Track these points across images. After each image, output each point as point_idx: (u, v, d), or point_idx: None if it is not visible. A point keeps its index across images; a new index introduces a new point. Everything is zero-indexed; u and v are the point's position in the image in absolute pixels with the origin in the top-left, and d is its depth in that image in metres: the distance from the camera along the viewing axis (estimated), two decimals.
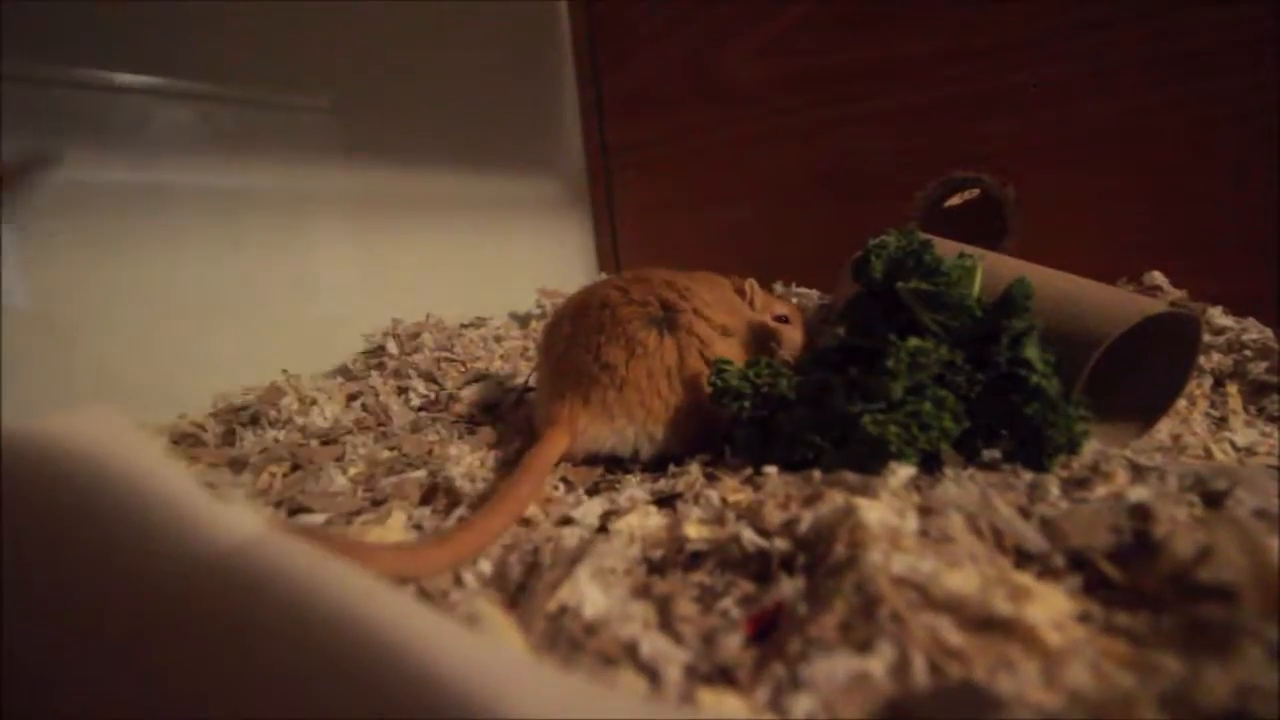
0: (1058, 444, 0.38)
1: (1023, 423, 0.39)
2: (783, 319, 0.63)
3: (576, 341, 0.52)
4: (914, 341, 0.40)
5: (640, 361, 0.49)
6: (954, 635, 0.23)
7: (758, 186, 1.00)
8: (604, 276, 1.12)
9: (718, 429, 0.49)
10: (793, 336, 0.62)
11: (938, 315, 0.42)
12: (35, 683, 0.19)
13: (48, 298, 0.62)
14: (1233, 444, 0.45)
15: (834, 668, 0.22)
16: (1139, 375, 0.49)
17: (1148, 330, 0.44)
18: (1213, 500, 0.32)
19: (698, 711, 0.22)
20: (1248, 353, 0.57)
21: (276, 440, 0.58)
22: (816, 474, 0.37)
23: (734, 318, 0.56)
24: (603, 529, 0.36)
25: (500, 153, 1.05)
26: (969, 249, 0.55)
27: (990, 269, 0.49)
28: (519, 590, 0.30)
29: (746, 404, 0.45)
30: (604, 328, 0.51)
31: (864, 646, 0.23)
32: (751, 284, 0.62)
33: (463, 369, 0.74)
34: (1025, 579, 0.26)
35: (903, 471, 0.34)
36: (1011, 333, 0.40)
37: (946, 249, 0.56)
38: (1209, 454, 0.43)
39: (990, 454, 0.41)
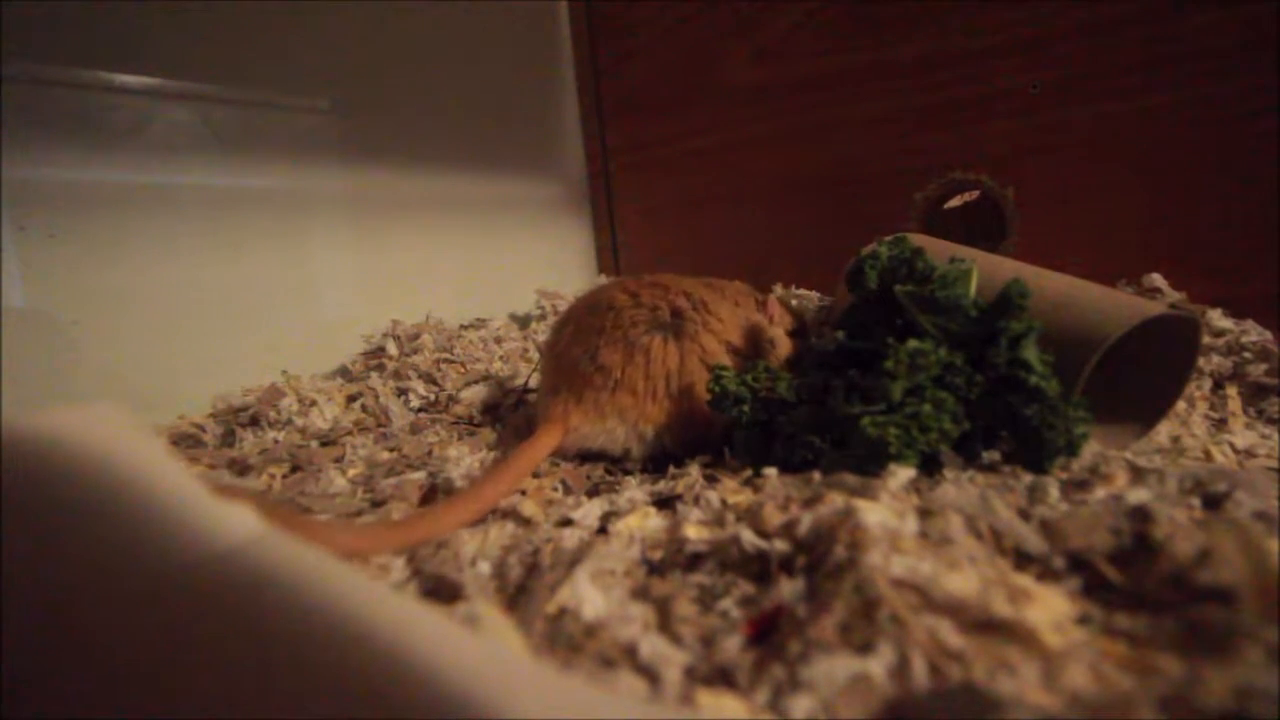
0: (1057, 446, 0.38)
1: (1022, 424, 0.39)
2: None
3: (577, 341, 0.52)
4: (913, 343, 0.40)
5: (637, 366, 0.50)
6: (954, 637, 0.23)
7: (758, 187, 1.00)
8: (604, 278, 1.13)
9: (714, 433, 0.50)
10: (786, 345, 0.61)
11: (935, 318, 0.42)
12: (35, 682, 0.19)
13: (48, 298, 0.62)
14: (1232, 446, 0.45)
15: (834, 669, 0.22)
16: (1138, 377, 0.49)
17: (1147, 332, 0.44)
18: (1212, 502, 0.32)
19: (697, 713, 0.22)
20: (1247, 355, 0.57)
21: (276, 441, 0.58)
22: (816, 475, 0.37)
23: (748, 341, 0.55)
24: (602, 530, 0.36)
25: (500, 153, 1.05)
26: (966, 250, 0.56)
27: (989, 270, 0.50)
28: (519, 591, 0.30)
29: (746, 408, 0.46)
30: (604, 330, 0.52)
31: (864, 648, 0.23)
32: (773, 300, 0.61)
33: (462, 370, 0.74)
34: (1025, 581, 0.26)
35: (902, 473, 0.34)
36: (1010, 334, 0.40)
37: (943, 250, 0.56)
38: (1208, 456, 0.43)
39: (990, 456, 0.41)
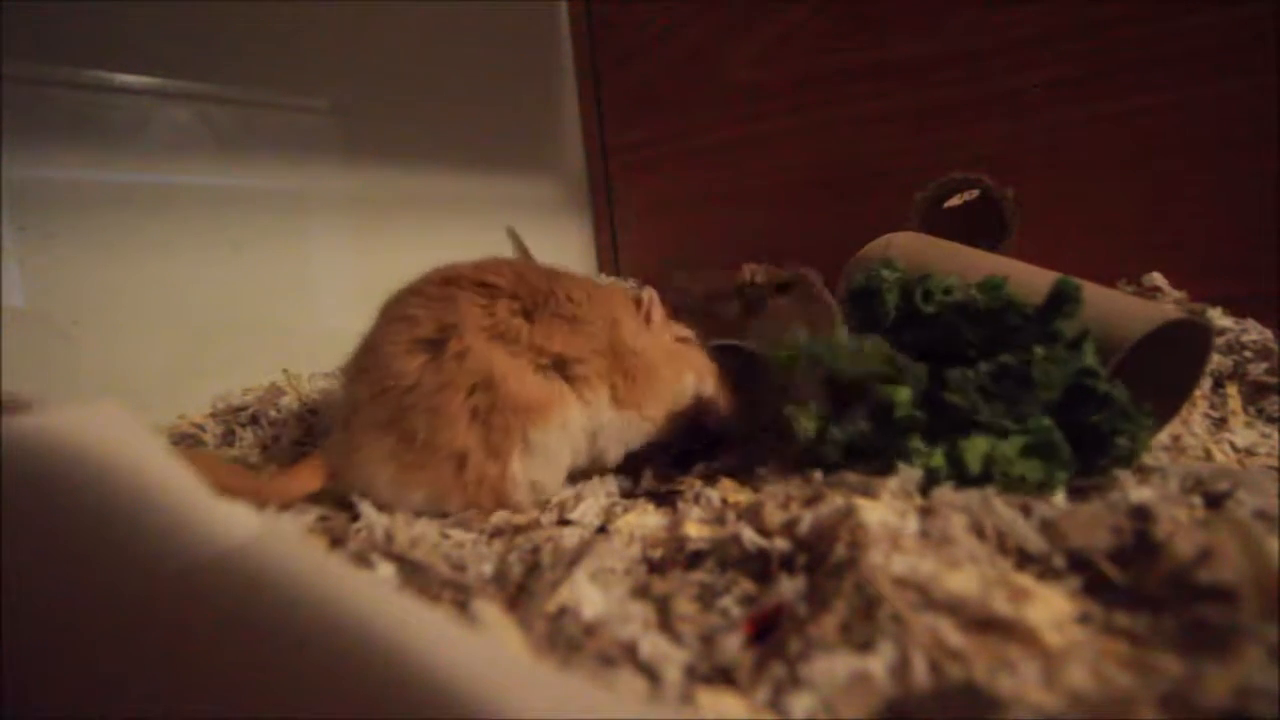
0: (1120, 453, 0.36)
1: (1088, 431, 0.36)
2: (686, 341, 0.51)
3: (354, 358, 0.44)
4: (1040, 350, 0.37)
5: (387, 398, 0.40)
6: (954, 636, 0.23)
7: (757, 186, 1.00)
8: (604, 278, 1.13)
9: (505, 503, 0.41)
10: (701, 364, 0.49)
11: (980, 329, 0.39)
12: (35, 681, 0.19)
13: (48, 298, 0.62)
14: (1232, 445, 0.45)
15: (834, 668, 0.22)
16: (1143, 380, 0.49)
17: (1158, 336, 0.44)
18: (1214, 501, 0.32)
19: (697, 711, 0.22)
20: (1247, 354, 0.57)
21: (276, 440, 0.58)
22: (818, 474, 0.37)
23: (594, 353, 0.44)
24: (602, 529, 0.36)
25: (500, 153, 1.05)
26: (966, 250, 0.56)
27: (996, 272, 0.49)
28: (519, 590, 0.30)
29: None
30: (364, 351, 0.43)
31: (864, 646, 0.23)
32: (650, 294, 0.49)
33: None
34: (1026, 580, 0.26)
35: (906, 473, 0.34)
36: (1066, 339, 0.38)
37: (945, 250, 0.56)
38: (1209, 455, 0.43)
39: None
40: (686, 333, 0.51)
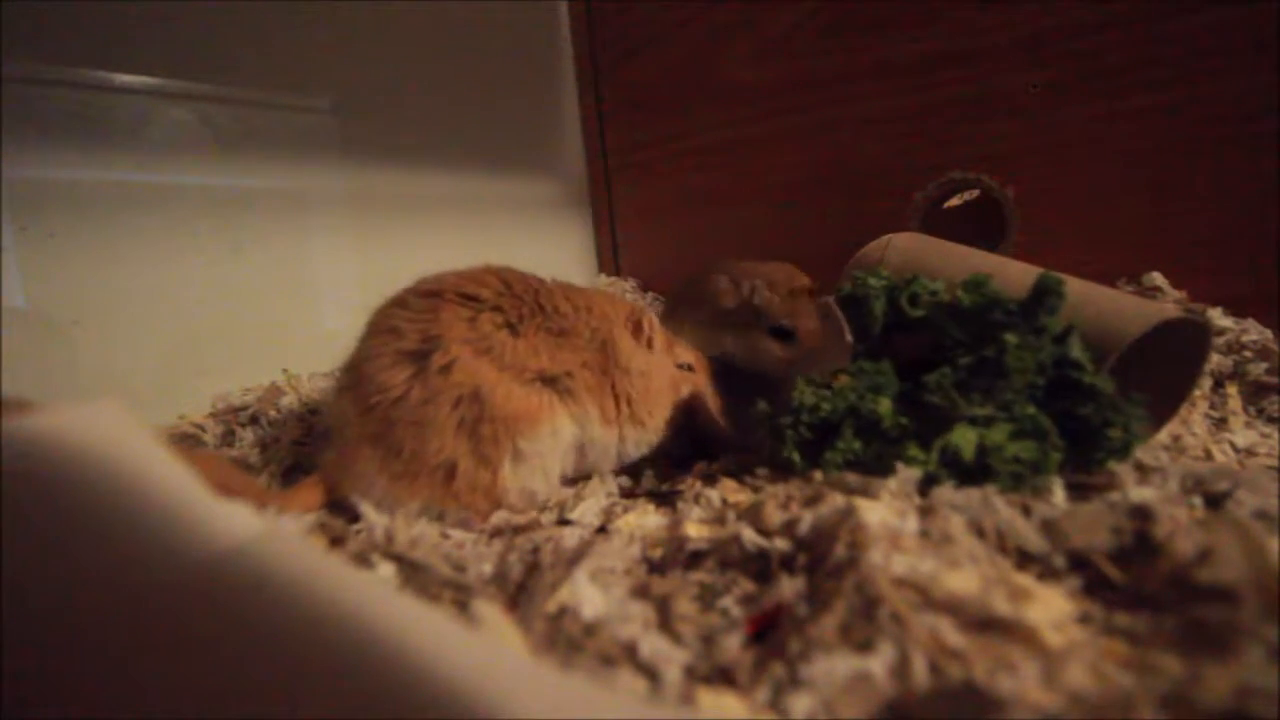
0: (1114, 445, 0.36)
1: (1077, 424, 0.37)
2: (686, 367, 0.50)
3: (341, 374, 0.44)
4: (1012, 337, 0.37)
5: (375, 413, 0.40)
6: (954, 636, 0.23)
7: (758, 187, 1.00)
8: (603, 278, 1.13)
9: (488, 504, 0.41)
10: (700, 388, 0.50)
11: (964, 327, 0.40)
12: (35, 682, 0.19)
13: (48, 298, 0.62)
14: (1232, 445, 0.45)
15: (834, 668, 0.22)
16: (1143, 379, 0.49)
17: (1153, 335, 0.44)
18: (1214, 501, 0.32)
19: (697, 711, 0.22)
20: (1247, 354, 0.57)
21: (276, 440, 0.58)
22: (818, 474, 0.37)
23: (573, 357, 0.43)
24: (602, 529, 0.36)
25: (500, 154, 1.05)
26: (965, 250, 0.56)
27: (995, 271, 0.49)
28: (519, 590, 0.30)
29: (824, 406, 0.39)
30: (350, 366, 0.43)
31: (864, 647, 0.23)
32: (650, 319, 0.48)
33: None
34: (1026, 580, 0.26)
35: (906, 473, 0.34)
36: (1052, 333, 0.38)
37: (944, 250, 0.56)
38: (1209, 455, 0.43)
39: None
40: (689, 357, 0.51)
